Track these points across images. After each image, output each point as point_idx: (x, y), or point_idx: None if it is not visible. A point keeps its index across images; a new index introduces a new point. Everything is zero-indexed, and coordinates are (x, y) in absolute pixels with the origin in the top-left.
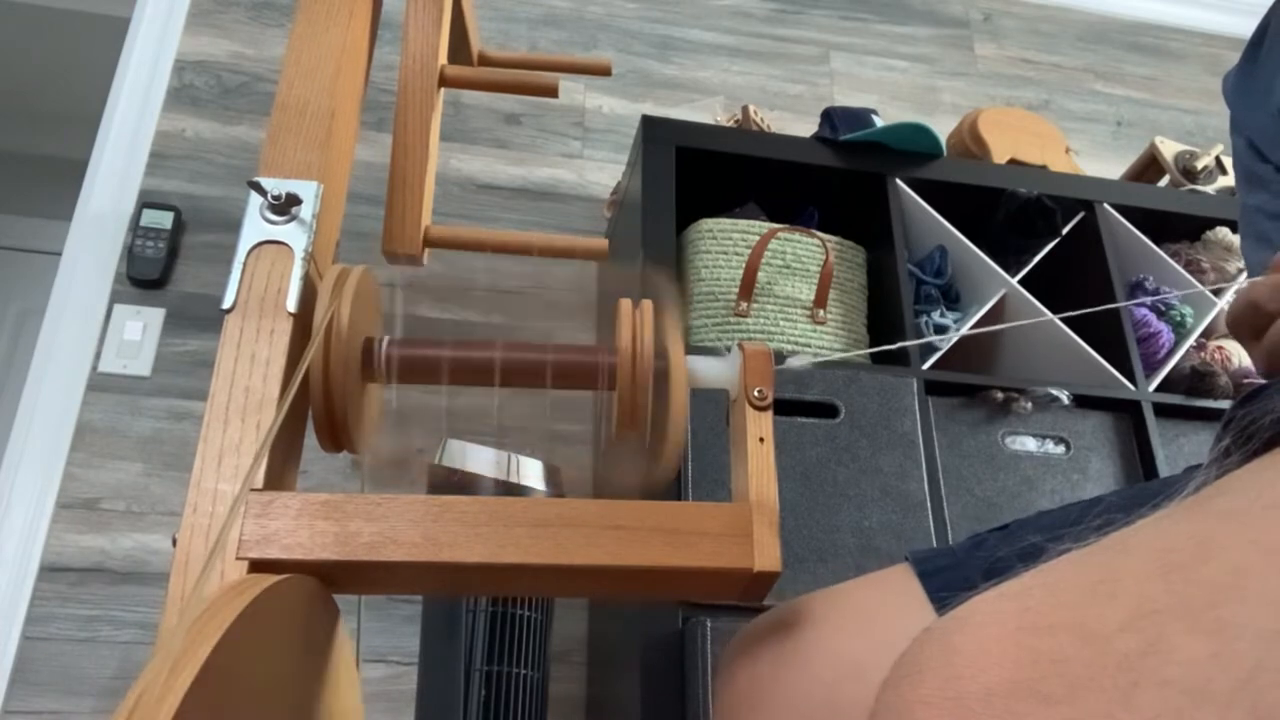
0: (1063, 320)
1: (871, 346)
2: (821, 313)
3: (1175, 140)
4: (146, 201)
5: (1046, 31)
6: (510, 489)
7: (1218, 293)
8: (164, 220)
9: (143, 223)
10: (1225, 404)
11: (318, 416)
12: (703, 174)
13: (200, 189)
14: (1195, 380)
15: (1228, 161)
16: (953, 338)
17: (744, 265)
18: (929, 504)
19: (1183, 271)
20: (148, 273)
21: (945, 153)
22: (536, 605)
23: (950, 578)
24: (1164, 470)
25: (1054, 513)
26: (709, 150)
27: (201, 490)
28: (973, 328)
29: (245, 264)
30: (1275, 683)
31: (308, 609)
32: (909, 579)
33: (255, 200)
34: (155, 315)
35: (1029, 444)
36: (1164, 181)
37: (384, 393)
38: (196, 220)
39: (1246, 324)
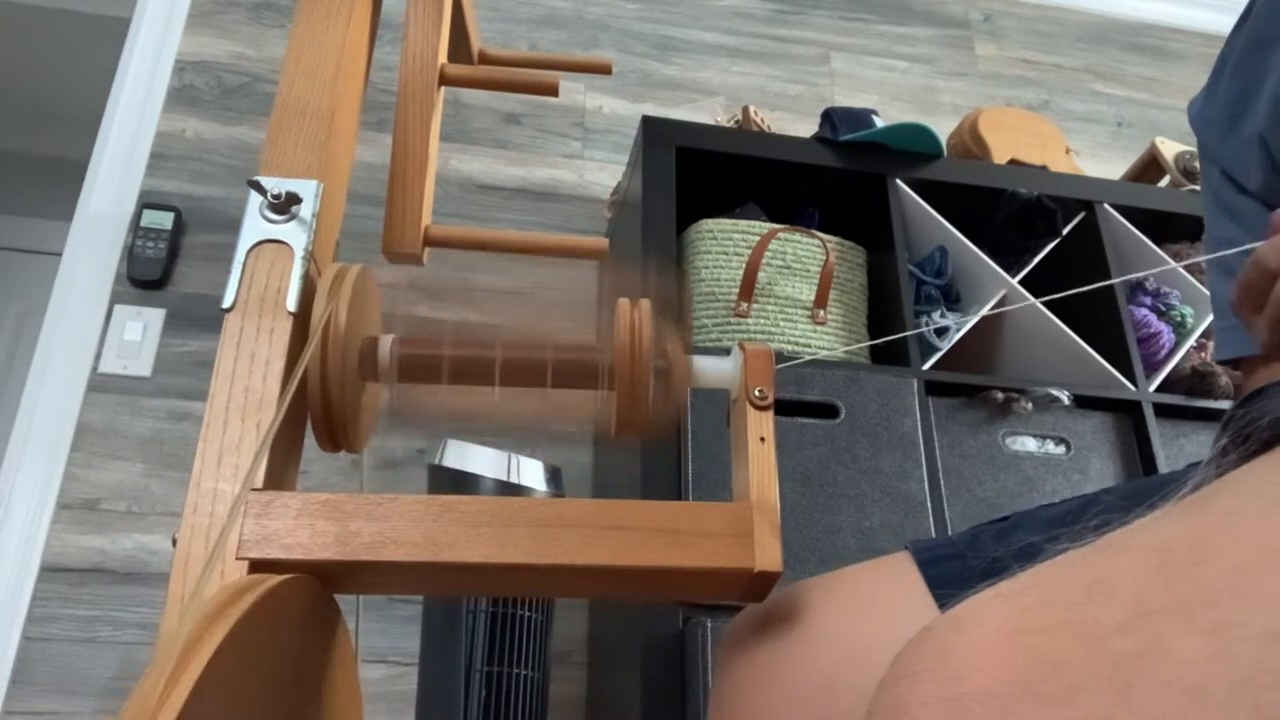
0: (1061, 318)
1: (871, 348)
2: (822, 313)
3: (1176, 141)
4: (147, 202)
5: (1046, 32)
6: (510, 489)
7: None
8: (164, 221)
9: (143, 223)
10: (1225, 404)
11: (316, 416)
12: (703, 174)
13: (200, 189)
14: (1195, 380)
15: None
16: (953, 337)
17: (744, 266)
18: (929, 504)
19: (1183, 272)
20: (148, 273)
21: (945, 153)
22: (537, 606)
23: (950, 568)
24: (1164, 471)
25: (1054, 506)
26: (709, 150)
27: (201, 490)
28: (969, 326)
29: (245, 263)
30: (1275, 683)
31: (308, 609)
32: (909, 567)
33: (255, 200)
34: (155, 315)
35: (1029, 444)
36: (1164, 182)
37: (384, 392)
38: (197, 220)
39: (1253, 292)
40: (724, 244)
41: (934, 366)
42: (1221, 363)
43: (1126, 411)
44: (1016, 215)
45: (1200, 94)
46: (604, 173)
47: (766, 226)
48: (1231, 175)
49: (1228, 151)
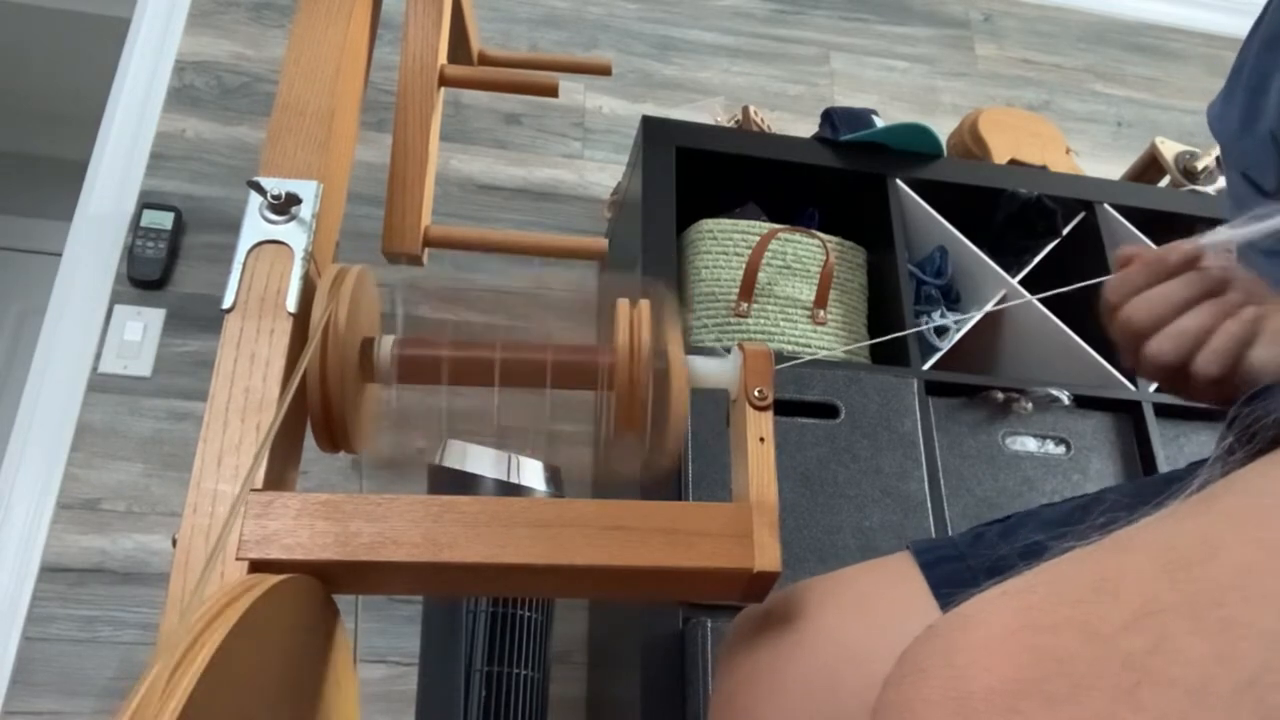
0: (1061, 318)
1: (871, 348)
2: (822, 313)
3: (1176, 140)
4: (147, 202)
5: (1046, 31)
6: (510, 489)
7: None
8: (164, 221)
9: (143, 223)
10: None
11: (315, 417)
12: (703, 174)
13: (200, 189)
14: None
15: None
16: (953, 337)
17: (744, 266)
18: (929, 504)
19: None
20: (148, 273)
21: (945, 153)
22: (537, 606)
23: (952, 569)
24: (1164, 470)
25: (1056, 506)
26: (709, 150)
27: (202, 491)
28: (970, 325)
29: (245, 264)
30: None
31: (306, 610)
32: (910, 568)
33: (255, 200)
34: (155, 315)
35: (1029, 444)
36: (1164, 182)
37: (383, 393)
38: (197, 220)
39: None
40: (724, 244)
41: (934, 366)
42: None
43: (1126, 411)
44: (1016, 215)
45: (1219, 96)
46: (604, 173)
47: (766, 226)
48: (1251, 177)
49: (1244, 152)
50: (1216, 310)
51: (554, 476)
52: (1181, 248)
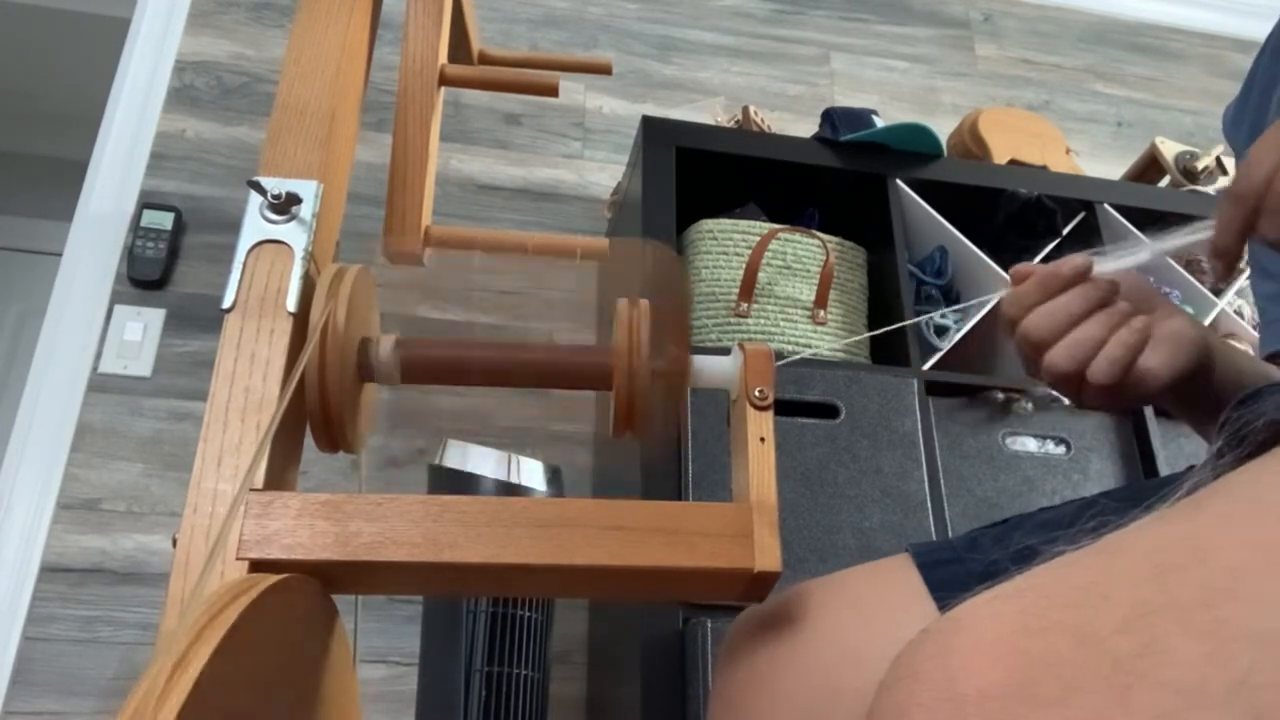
0: None
1: (872, 348)
2: (822, 313)
3: (1176, 141)
4: (147, 202)
5: (1046, 32)
6: (511, 489)
7: (1218, 293)
8: (164, 221)
9: (143, 223)
10: None
11: (314, 417)
12: (703, 174)
13: (200, 189)
14: None
15: (1228, 162)
16: (954, 337)
17: (744, 266)
18: (929, 504)
19: (1183, 272)
20: (148, 273)
21: (945, 153)
22: (537, 606)
23: (950, 571)
24: (1164, 471)
25: (1053, 509)
26: (709, 150)
27: (202, 490)
28: (970, 325)
29: (245, 263)
30: (1270, 683)
31: (305, 609)
32: (909, 570)
33: (255, 200)
34: (155, 316)
35: (1029, 444)
36: (1164, 182)
37: (384, 393)
38: (197, 220)
39: (1009, 333)
40: (724, 244)
41: (934, 366)
42: (1268, 358)
43: (1126, 412)
44: (1016, 215)
45: (1234, 102)
46: (604, 173)
47: (766, 226)
48: None
49: None
50: (1109, 320)
51: (554, 476)
52: (1073, 261)
